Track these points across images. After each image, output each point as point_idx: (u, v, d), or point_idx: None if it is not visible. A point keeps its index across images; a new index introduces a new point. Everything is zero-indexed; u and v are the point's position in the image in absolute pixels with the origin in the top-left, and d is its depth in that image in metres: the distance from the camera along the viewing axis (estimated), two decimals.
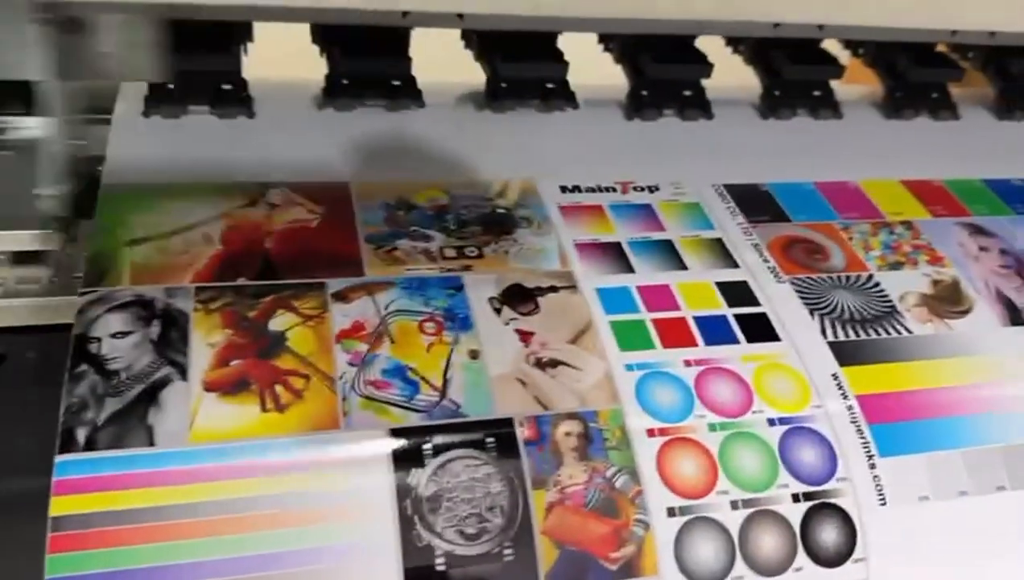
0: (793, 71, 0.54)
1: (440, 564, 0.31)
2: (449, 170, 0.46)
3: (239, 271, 0.37)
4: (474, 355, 0.36)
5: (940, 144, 0.56)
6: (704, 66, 0.52)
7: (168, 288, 0.36)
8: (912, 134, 0.56)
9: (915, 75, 0.57)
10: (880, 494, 0.36)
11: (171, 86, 0.46)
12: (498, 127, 0.50)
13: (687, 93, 0.53)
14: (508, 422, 0.34)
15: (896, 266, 0.44)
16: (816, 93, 0.55)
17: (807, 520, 0.35)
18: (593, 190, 0.45)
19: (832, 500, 0.35)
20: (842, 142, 0.54)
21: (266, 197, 0.41)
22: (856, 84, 0.61)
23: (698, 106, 0.53)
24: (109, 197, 0.39)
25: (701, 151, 0.50)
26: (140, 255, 0.37)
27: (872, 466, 0.36)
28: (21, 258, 0.40)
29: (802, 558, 0.34)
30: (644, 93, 0.53)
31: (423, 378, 0.34)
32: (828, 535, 0.35)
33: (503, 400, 0.34)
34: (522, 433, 0.33)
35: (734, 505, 0.34)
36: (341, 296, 0.37)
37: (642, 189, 0.46)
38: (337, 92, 0.49)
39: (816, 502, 0.35)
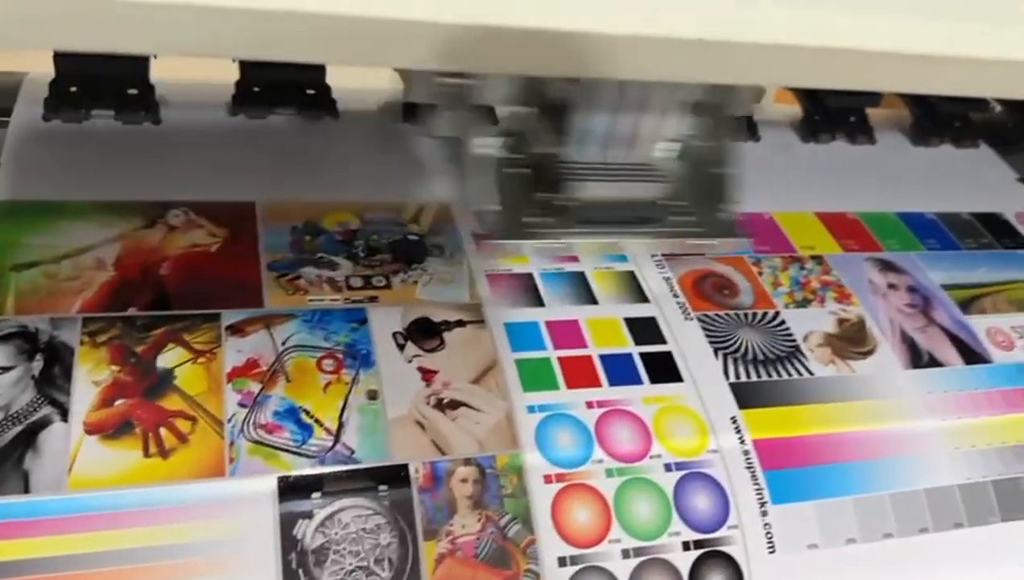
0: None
1: None
2: (363, 189, 0.45)
3: (130, 300, 0.36)
4: (373, 396, 0.35)
5: (856, 170, 0.56)
6: None
7: (54, 318, 0.34)
8: (828, 159, 0.57)
9: (833, 100, 0.57)
10: (770, 542, 0.36)
11: (73, 89, 0.44)
12: (416, 142, 0.49)
13: None
14: (403, 469, 0.33)
15: (803, 303, 0.45)
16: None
17: (696, 568, 0.35)
18: None
19: (722, 548, 0.36)
20: (759, 168, 0.54)
21: (166, 218, 0.39)
22: (780, 105, 0.61)
23: None
24: None
25: None
26: (27, 281, 0.35)
27: (764, 513, 0.37)
28: None
29: None
30: None
31: (317, 421, 0.34)
32: None
33: (399, 444, 0.34)
34: (417, 481, 0.33)
35: (625, 554, 0.34)
36: (237, 329, 0.36)
37: None
38: (248, 100, 0.47)
39: (706, 550, 0.35)
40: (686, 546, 0.35)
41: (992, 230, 0.53)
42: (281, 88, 0.48)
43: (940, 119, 0.60)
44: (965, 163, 0.60)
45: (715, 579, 0.35)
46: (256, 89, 0.48)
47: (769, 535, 0.36)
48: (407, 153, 0.48)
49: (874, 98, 0.58)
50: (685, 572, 0.35)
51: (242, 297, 0.37)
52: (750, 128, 0.55)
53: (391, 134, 0.49)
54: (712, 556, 0.35)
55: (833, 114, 0.58)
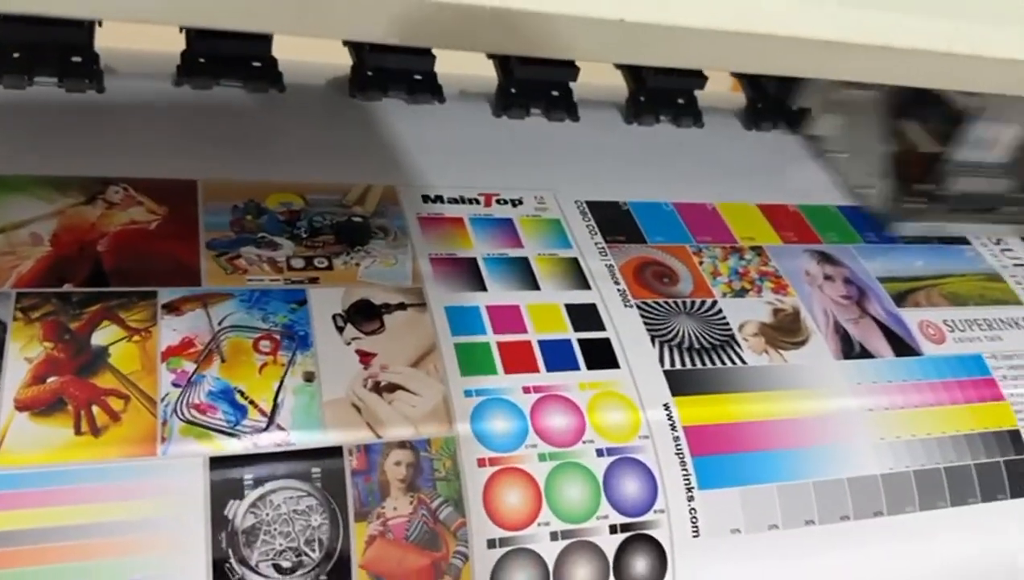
0: (657, 80, 0.55)
1: None
2: (307, 167, 0.44)
3: (66, 276, 0.36)
4: (309, 378, 0.35)
5: (796, 160, 0.57)
6: (571, 69, 0.53)
7: None
8: (768, 150, 0.58)
9: (773, 88, 0.59)
10: (694, 526, 0.37)
11: (16, 55, 0.43)
12: (362, 119, 0.49)
13: (555, 93, 0.53)
14: (337, 451, 0.34)
15: (741, 293, 0.46)
16: (680, 101, 0.56)
17: (621, 551, 0.36)
18: (456, 201, 0.45)
19: (647, 531, 0.37)
20: (702, 157, 0.55)
21: (105, 194, 0.39)
22: (721, 92, 0.62)
23: (564, 108, 0.53)
24: None
25: (567, 160, 0.51)
26: None
27: (691, 498, 0.38)
28: None
29: None
30: (513, 91, 0.52)
31: (252, 402, 0.34)
32: (640, 565, 0.36)
33: (334, 427, 0.34)
34: (350, 463, 0.34)
35: (553, 536, 0.35)
36: (173, 308, 0.36)
37: (505, 202, 0.46)
38: (194, 71, 0.47)
39: (632, 533, 0.36)
40: (613, 529, 0.36)
41: None
42: (227, 60, 0.47)
43: None
44: None
45: (639, 562, 0.36)
46: (201, 60, 0.47)
47: (694, 519, 0.38)
48: (354, 133, 0.48)
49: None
50: (611, 555, 0.36)
51: (180, 276, 0.37)
52: (694, 115, 0.56)
53: (337, 112, 0.49)
54: (638, 539, 0.37)
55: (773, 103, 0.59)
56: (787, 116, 0.59)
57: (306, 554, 0.32)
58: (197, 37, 0.46)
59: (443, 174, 0.47)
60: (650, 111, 0.55)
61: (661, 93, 0.56)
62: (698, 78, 0.56)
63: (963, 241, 0.55)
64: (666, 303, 0.44)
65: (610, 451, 0.38)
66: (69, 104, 0.44)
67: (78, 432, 0.31)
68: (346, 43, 0.51)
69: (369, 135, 0.48)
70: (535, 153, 0.51)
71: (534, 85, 0.53)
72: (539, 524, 0.35)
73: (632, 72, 0.56)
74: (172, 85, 0.47)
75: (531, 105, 0.53)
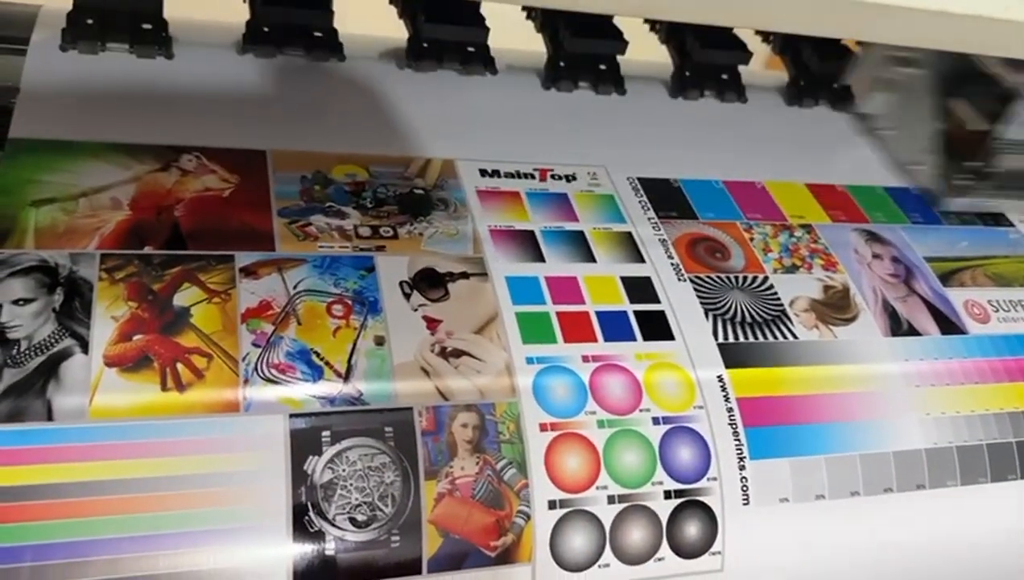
0: (703, 54, 0.55)
1: (329, 550, 0.32)
2: (369, 137, 0.46)
3: (146, 239, 0.37)
4: (380, 342, 0.37)
5: (844, 141, 0.58)
6: (620, 42, 0.54)
7: (73, 254, 0.35)
8: (813, 127, 0.58)
9: (816, 66, 0.59)
10: (745, 494, 0.39)
11: (90, 21, 0.45)
12: (419, 91, 0.50)
13: (602, 67, 0.54)
14: (408, 412, 0.35)
15: (792, 269, 0.47)
16: (724, 77, 0.57)
17: (674, 515, 0.37)
18: (512, 176, 0.46)
19: (700, 498, 0.38)
20: (749, 134, 0.55)
21: (179, 162, 0.40)
22: (767, 71, 0.63)
23: (612, 82, 0.54)
24: (14, 153, 0.38)
25: (616, 135, 0.52)
26: (46, 217, 0.36)
27: (742, 467, 0.39)
28: None
29: (665, 549, 0.37)
30: (562, 64, 0.53)
31: (327, 363, 0.35)
32: (692, 530, 0.38)
33: (405, 389, 0.36)
34: (420, 424, 0.35)
35: (610, 499, 0.37)
36: (250, 271, 0.37)
37: (560, 177, 0.47)
38: (258, 39, 0.48)
39: (685, 499, 0.38)
40: (667, 495, 0.37)
41: None
42: (290, 29, 0.48)
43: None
44: None
45: (692, 527, 0.38)
46: (266, 29, 0.48)
47: (745, 488, 0.39)
48: (411, 104, 0.49)
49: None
50: (664, 519, 0.37)
51: (254, 241, 0.38)
52: (738, 90, 0.57)
53: (394, 83, 0.50)
54: (691, 505, 0.38)
55: (816, 79, 0.59)
56: (830, 93, 0.59)
57: (379, 509, 0.33)
58: (262, 6, 0.47)
59: (498, 147, 0.48)
60: (695, 86, 0.56)
61: (706, 68, 0.57)
62: (742, 52, 0.56)
63: (1008, 223, 0.55)
64: (719, 278, 0.45)
65: (666, 420, 0.39)
66: (140, 72, 0.45)
67: (164, 388, 0.33)
68: (402, 15, 0.52)
69: (426, 107, 0.49)
70: (586, 128, 0.52)
71: (583, 59, 0.54)
72: (597, 488, 0.37)
73: (677, 47, 0.57)
74: (237, 53, 0.48)
75: (579, 79, 0.54)
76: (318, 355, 0.35)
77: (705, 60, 0.57)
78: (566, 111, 0.53)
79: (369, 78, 0.50)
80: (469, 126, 0.49)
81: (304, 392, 0.34)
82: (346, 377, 0.35)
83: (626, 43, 0.54)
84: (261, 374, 0.34)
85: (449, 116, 0.49)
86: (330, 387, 0.35)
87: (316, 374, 0.35)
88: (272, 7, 0.48)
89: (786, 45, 0.61)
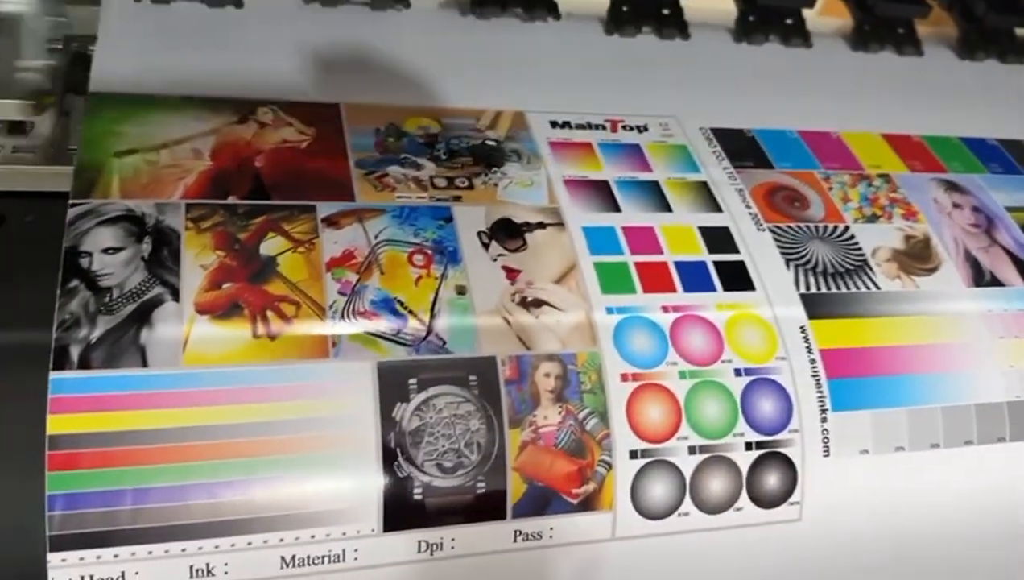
0: None
1: (417, 494, 0.33)
2: (438, 89, 0.45)
3: (229, 189, 0.37)
4: (461, 291, 0.37)
5: (910, 86, 0.56)
6: None
7: (159, 204, 0.36)
8: (885, 75, 0.57)
9: (883, 8, 0.57)
10: (825, 446, 0.38)
11: None
12: (484, 40, 0.49)
13: (665, 12, 0.53)
14: (491, 361, 0.35)
15: (872, 219, 0.46)
16: (788, 21, 0.56)
17: (755, 466, 0.37)
18: (583, 127, 0.45)
19: (781, 450, 0.38)
20: (817, 82, 0.54)
21: (256, 115, 0.40)
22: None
23: (675, 25, 0.53)
24: (96, 107, 0.38)
25: (684, 83, 0.51)
26: (129, 168, 0.37)
27: (824, 419, 0.38)
28: (15, 128, 0.42)
29: (744, 499, 0.37)
30: (624, 9, 0.53)
31: (411, 311, 0.35)
32: (771, 480, 0.37)
33: (487, 338, 0.36)
34: (503, 373, 0.35)
35: (691, 450, 0.36)
36: (332, 221, 0.37)
37: (631, 128, 0.46)
38: None
39: (766, 451, 0.37)
40: (748, 446, 0.37)
41: None
42: None
43: (986, 34, 0.60)
44: (1015, 78, 0.60)
45: (771, 477, 0.37)
46: None
47: (826, 440, 0.38)
48: (476, 53, 0.49)
49: (923, 9, 0.58)
50: (745, 470, 0.37)
51: (334, 191, 0.38)
52: (803, 35, 0.55)
53: (457, 30, 0.49)
54: (771, 456, 0.37)
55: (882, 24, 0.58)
56: (895, 39, 0.58)
57: (465, 455, 0.33)
58: None
59: (567, 98, 0.47)
60: (759, 30, 0.55)
61: (771, 12, 0.56)
62: None
63: None
64: (798, 227, 0.44)
65: (748, 371, 0.38)
66: (210, 24, 0.45)
67: (255, 335, 0.33)
68: None
69: (492, 56, 0.48)
70: (654, 76, 0.51)
71: (645, 3, 0.53)
72: (678, 438, 0.36)
73: None
74: (303, 2, 0.48)
75: (642, 24, 0.53)
76: (402, 304, 0.36)
77: (770, 3, 0.55)
78: (632, 58, 0.52)
79: (433, 27, 0.50)
80: (537, 76, 0.48)
81: (391, 340, 0.34)
82: (430, 326, 0.35)
83: None
84: (348, 321, 0.34)
85: (516, 66, 0.49)
86: (415, 334, 0.35)
87: (401, 322, 0.35)
88: None
89: None
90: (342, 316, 0.34)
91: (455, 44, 0.48)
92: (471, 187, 0.41)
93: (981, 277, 0.45)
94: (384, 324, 0.35)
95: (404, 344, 0.34)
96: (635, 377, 0.37)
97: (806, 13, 0.56)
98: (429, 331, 0.35)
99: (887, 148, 0.50)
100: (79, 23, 0.46)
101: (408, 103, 0.44)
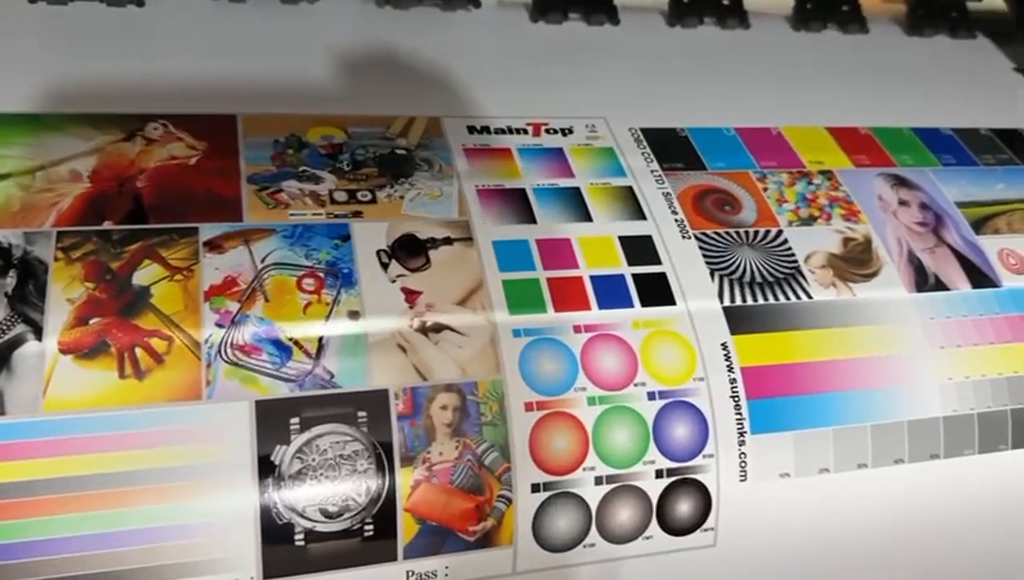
0: None
1: (299, 540, 0.31)
2: (346, 94, 0.43)
3: (106, 213, 0.35)
4: (354, 317, 0.35)
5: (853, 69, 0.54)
6: None
7: (28, 233, 0.34)
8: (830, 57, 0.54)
9: None
10: (742, 471, 0.36)
11: None
12: (399, 33, 0.47)
13: None
14: (383, 395, 0.33)
15: (808, 221, 0.43)
16: (725, 2, 0.53)
17: (666, 494, 0.35)
18: (503, 132, 0.43)
19: (694, 476, 0.36)
20: (760, 74, 0.51)
21: (144, 131, 0.38)
22: None
23: (604, 11, 0.51)
24: None
25: (614, 77, 0.48)
26: (0, 194, 0.35)
27: (742, 442, 0.37)
28: None
29: (654, 527, 0.35)
30: None
31: (296, 343, 0.33)
32: (683, 507, 0.36)
33: (380, 369, 0.34)
34: (396, 407, 0.33)
35: (598, 481, 0.35)
36: (215, 245, 0.35)
37: (555, 132, 0.43)
38: None
39: (678, 478, 0.36)
40: (659, 474, 0.35)
41: (1012, 146, 0.51)
42: None
43: (935, 9, 0.58)
44: (962, 54, 0.57)
45: (684, 504, 0.36)
46: None
47: (743, 464, 0.36)
48: (389, 50, 0.46)
49: None
50: (655, 498, 0.35)
51: (221, 211, 0.36)
52: (740, 15, 0.53)
53: (376, 28, 0.47)
54: (684, 483, 0.36)
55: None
56: (839, 17, 0.55)
57: (352, 499, 0.32)
58: None
59: (488, 99, 0.45)
60: (694, 12, 0.52)
61: None
62: None
63: None
64: (727, 234, 0.41)
65: (662, 394, 0.36)
66: (109, 33, 0.43)
67: (122, 375, 0.31)
68: None
69: (407, 54, 0.46)
70: (582, 70, 0.48)
71: None
72: (584, 469, 0.35)
73: None
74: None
75: (569, 8, 0.51)
76: (287, 334, 0.34)
77: None
78: (560, 49, 0.49)
79: (346, 21, 0.47)
80: (456, 77, 0.46)
81: (271, 376, 0.32)
82: (316, 357, 0.33)
83: None
84: (225, 357, 0.32)
85: (434, 65, 0.46)
86: (299, 369, 0.33)
87: (284, 355, 0.33)
88: None
89: None
90: (218, 351, 0.32)
91: (367, 42, 0.46)
92: (374, 201, 0.38)
93: (925, 281, 0.43)
94: (266, 358, 0.33)
95: (287, 380, 0.33)
96: (540, 405, 0.35)
97: None
98: (315, 364, 0.33)
99: (832, 142, 0.48)
100: None
101: (313, 111, 0.41)
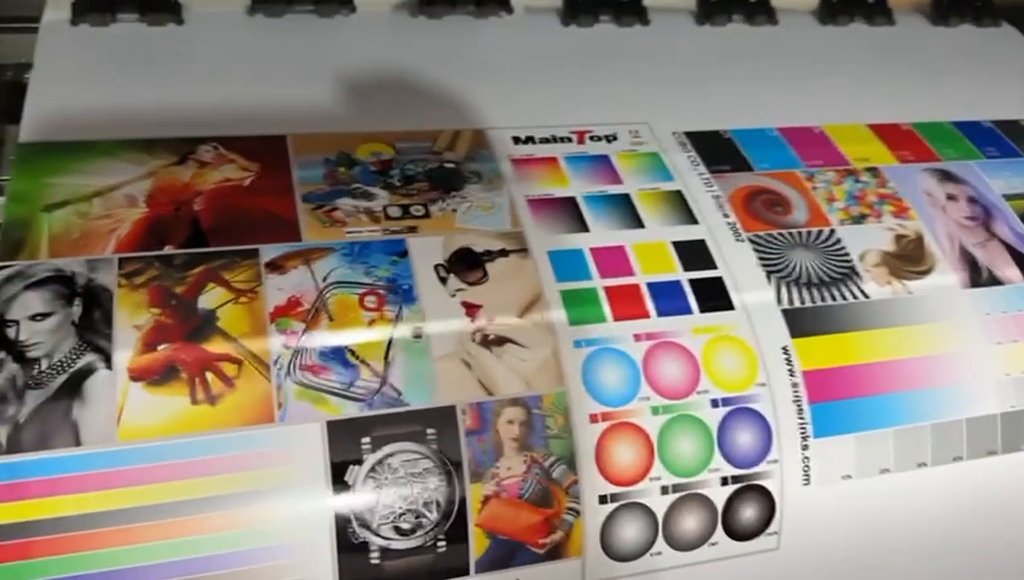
0: None
1: (375, 559, 0.31)
2: (391, 111, 0.43)
3: (165, 238, 0.35)
4: (417, 334, 0.34)
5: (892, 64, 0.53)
6: None
7: (90, 260, 0.34)
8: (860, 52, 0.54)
9: None
10: (806, 475, 0.36)
11: None
12: (435, 44, 0.47)
13: None
14: (450, 412, 0.33)
15: (859, 219, 0.43)
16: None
17: (731, 501, 0.35)
18: (548, 141, 0.43)
19: (759, 482, 0.36)
20: (795, 72, 0.51)
21: (196, 154, 0.38)
22: None
23: (634, 12, 0.51)
24: (26, 158, 0.36)
25: (654, 83, 0.48)
26: (59, 222, 0.35)
27: (805, 447, 0.36)
28: None
29: (719, 534, 0.35)
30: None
31: (363, 361, 0.33)
32: (748, 513, 0.36)
33: (446, 385, 0.34)
34: (464, 423, 0.33)
35: (664, 490, 0.35)
36: (276, 266, 0.35)
37: (599, 139, 0.43)
38: None
39: (743, 484, 0.35)
40: (724, 481, 0.35)
41: None
42: None
43: None
44: (989, 43, 0.57)
45: (748, 510, 0.35)
46: None
47: (806, 468, 0.36)
48: (429, 62, 0.46)
49: None
50: (720, 505, 0.35)
51: (279, 231, 0.36)
52: (767, 12, 0.53)
53: (413, 39, 0.47)
54: (748, 490, 0.36)
55: None
56: (866, 9, 0.54)
57: (424, 515, 0.32)
58: None
59: (529, 107, 0.45)
60: (722, 11, 0.52)
61: None
62: None
63: None
64: (780, 235, 0.41)
65: (725, 401, 0.36)
66: (152, 56, 0.43)
67: (194, 401, 0.31)
68: None
69: (445, 65, 0.46)
70: (618, 75, 0.48)
71: None
72: (651, 479, 0.35)
73: None
74: (246, 15, 0.45)
75: (599, 12, 0.51)
76: (353, 353, 0.34)
77: None
78: (592, 53, 0.49)
79: (380, 31, 0.47)
80: (494, 85, 0.46)
81: (341, 395, 0.32)
82: (384, 376, 0.33)
83: None
84: (295, 378, 0.32)
85: (471, 74, 0.46)
86: (367, 387, 0.33)
87: (352, 374, 0.33)
88: None
89: None
90: (288, 372, 0.32)
91: (406, 53, 0.45)
92: (428, 215, 0.38)
93: (979, 276, 0.42)
94: (334, 378, 0.33)
95: (356, 399, 0.32)
96: (605, 417, 0.35)
97: None
98: (383, 382, 0.33)
99: (874, 138, 0.47)
100: (14, 50, 0.44)
101: (360, 128, 0.41)
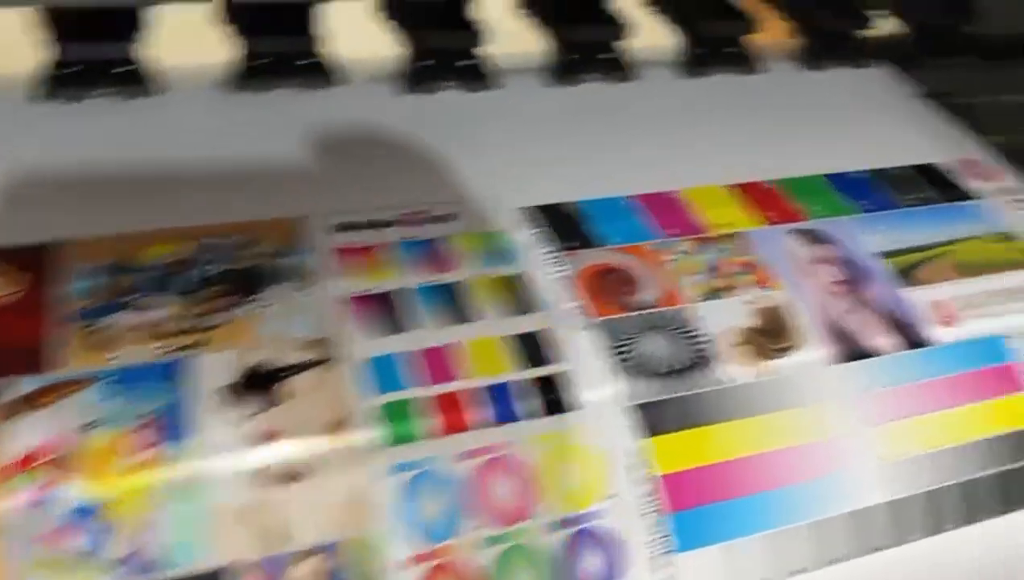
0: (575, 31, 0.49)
1: None
2: (195, 204, 0.38)
3: None
4: (191, 478, 0.29)
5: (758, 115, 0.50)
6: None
7: None
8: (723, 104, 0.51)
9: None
10: None
11: None
12: (253, 122, 0.42)
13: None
14: (227, 574, 0.28)
15: (717, 293, 0.39)
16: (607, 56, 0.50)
17: None
18: (375, 225, 0.38)
19: None
20: (652, 129, 0.48)
21: None
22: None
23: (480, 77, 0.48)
24: None
25: (499, 152, 0.44)
26: None
27: (666, 564, 0.32)
28: None
29: None
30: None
31: (119, 518, 0.28)
32: None
33: (225, 539, 0.28)
34: None
35: None
36: (22, 404, 0.29)
37: (435, 220, 0.39)
38: (64, 81, 0.40)
39: None
40: None
41: (932, 182, 0.48)
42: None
43: (830, 41, 0.56)
44: (866, 85, 0.55)
45: None
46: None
47: None
48: (248, 149, 0.41)
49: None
50: None
51: (28, 363, 0.30)
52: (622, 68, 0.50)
53: (228, 118, 0.42)
54: None
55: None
56: (733, 58, 0.52)
57: None
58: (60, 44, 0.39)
59: (357, 189, 0.40)
60: (578, 68, 0.49)
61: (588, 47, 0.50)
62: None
63: (974, 195, 0.47)
64: (629, 318, 0.37)
65: (566, 522, 0.32)
66: None
67: None
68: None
69: (263, 145, 0.41)
70: (463, 145, 0.44)
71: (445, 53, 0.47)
72: None
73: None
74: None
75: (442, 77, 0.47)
76: (108, 508, 0.28)
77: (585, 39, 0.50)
78: (430, 122, 0.45)
79: (190, 115, 0.42)
80: (320, 166, 0.41)
81: (87, 565, 0.27)
82: (143, 535, 0.28)
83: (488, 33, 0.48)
84: (29, 553, 0.27)
85: (295, 153, 0.41)
86: (122, 552, 0.27)
87: (104, 536, 0.27)
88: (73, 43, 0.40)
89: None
90: (26, 542, 0.27)
91: (217, 135, 0.41)
92: (222, 325, 0.33)
93: (849, 349, 0.39)
94: (81, 542, 0.27)
95: (105, 568, 0.27)
96: (424, 557, 0.30)
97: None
98: (140, 544, 0.27)
99: (736, 200, 0.44)
100: None
101: (157, 224, 0.36)
